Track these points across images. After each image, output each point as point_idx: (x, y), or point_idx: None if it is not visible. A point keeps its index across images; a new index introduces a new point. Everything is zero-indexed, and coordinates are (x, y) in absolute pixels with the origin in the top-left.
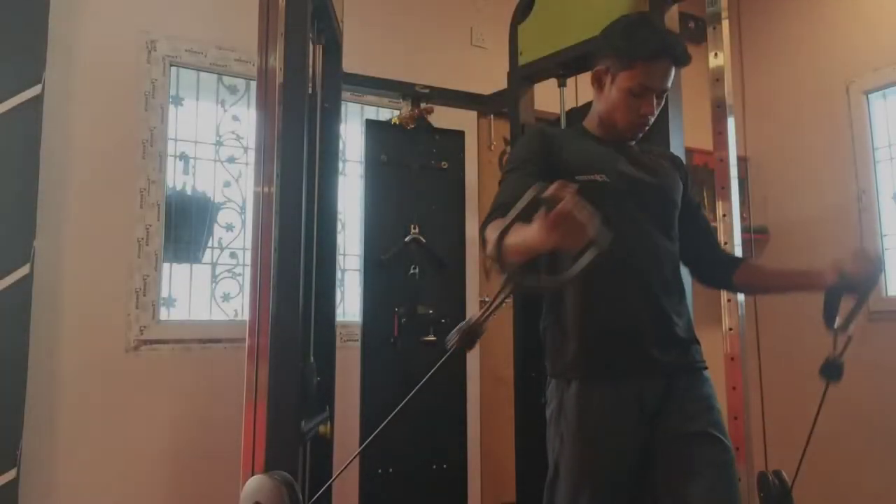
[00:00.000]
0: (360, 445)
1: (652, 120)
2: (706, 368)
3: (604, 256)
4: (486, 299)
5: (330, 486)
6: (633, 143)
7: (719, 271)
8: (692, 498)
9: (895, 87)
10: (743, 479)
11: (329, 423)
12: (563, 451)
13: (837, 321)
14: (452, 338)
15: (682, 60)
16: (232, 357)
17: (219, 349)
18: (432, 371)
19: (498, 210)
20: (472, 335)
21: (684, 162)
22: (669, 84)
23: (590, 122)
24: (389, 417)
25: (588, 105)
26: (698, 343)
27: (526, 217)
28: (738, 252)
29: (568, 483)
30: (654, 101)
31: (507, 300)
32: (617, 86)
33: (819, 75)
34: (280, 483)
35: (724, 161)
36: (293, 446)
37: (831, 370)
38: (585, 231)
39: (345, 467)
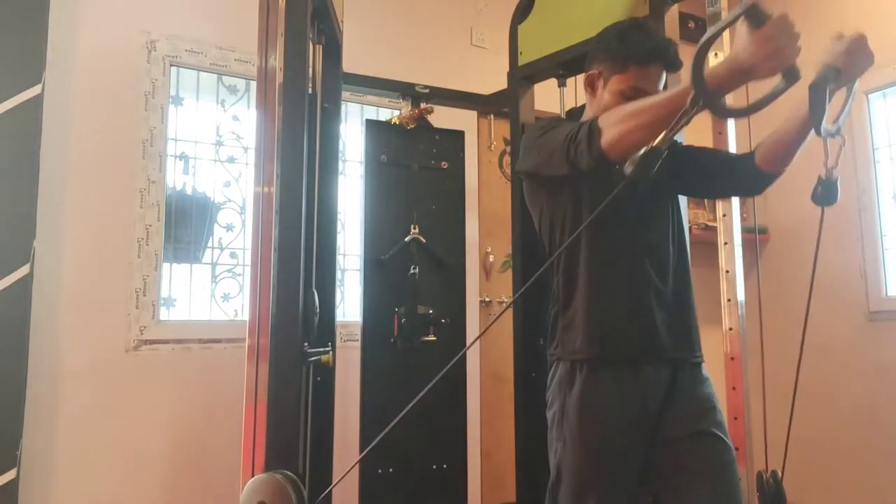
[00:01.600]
0: (360, 444)
1: None
2: (703, 361)
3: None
4: (487, 299)
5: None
6: None
7: (743, 168)
8: (694, 498)
9: (895, 87)
10: (743, 480)
11: (332, 353)
12: (565, 455)
13: (825, 125)
14: (634, 161)
15: (675, 65)
16: (232, 357)
17: (219, 349)
18: (447, 368)
19: (571, 134)
20: (653, 157)
21: None
22: (661, 87)
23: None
24: (392, 424)
25: None
26: (699, 335)
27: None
28: (738, 252)
29: (570, 487)
30: None
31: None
32: (609, 89)
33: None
34: (285, 482)
35: None
36: (293, 446)
37: (826, 191)
38: (796, 47)
39: (345, 474)
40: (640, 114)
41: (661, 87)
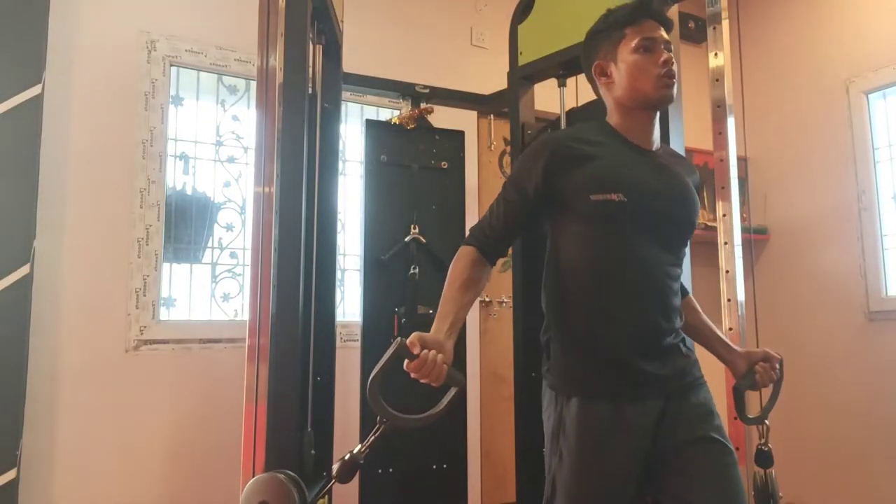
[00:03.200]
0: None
1: (675, 70)
2: (704, 383)
3: (461, 393)
4: (487, 299)
5: (333, 484)
6: (658, 146)
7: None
8: (698, 501)
9: (895, 87)
10: (744, 480)
11: (328, 496)
12: (561, 470)
13: (753, 413)
14: (333, 469)
15: (662, 15)
16: (232, 357)
17: (219, 349)
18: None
19: (478, 230)
20: (352, 467)
21: (697, 172)
22: (668, 38)
23: (611, 117)
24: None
25: (588, 106)
26: (696, 360)
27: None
28: (738, 252)
29: (566, 502)
30: (664, 50)
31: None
32: (621, 59)
33: (819, 75)
34: (287, 481)
35: (724, 161)
36: (293, 446)
37: (764, 458)
38: (441, 376)
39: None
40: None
41: (667, 36)
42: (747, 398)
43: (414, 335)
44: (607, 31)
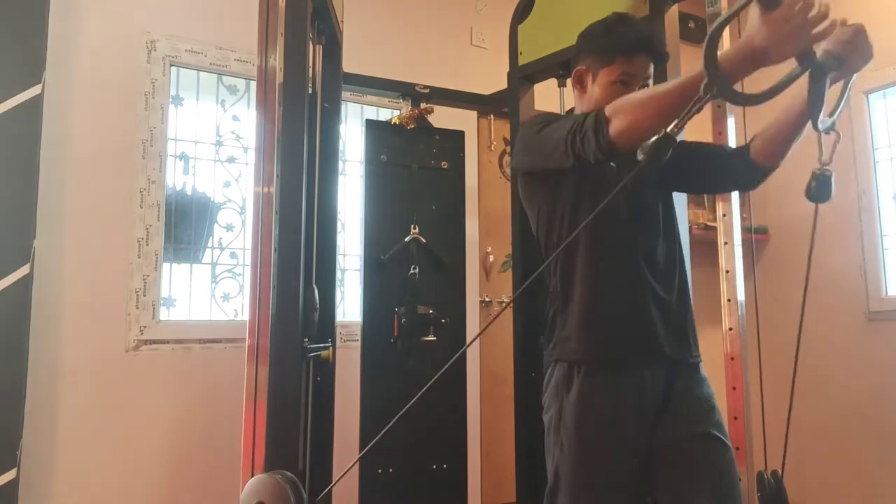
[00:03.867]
0: (360, 444)
1: None
2: (701, 361)
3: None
4: (487, 299)
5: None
6: None
7: (738, 162)
8: (694, 499)
9: (895, 87)
10: (743, 479)
11: (332, 350)
12: (563, 460)
13: (823, 118)
14: (645, 149)
15: (660, 56)
16: (232, 357)
17: (219, 349)
18: (444, 368)
19: (575, 126)
20: (666, 144)
21: None
22: (651, 73)
23: None
24: (391, 423)
25: None
26: (696, 335)
27: None
28: (738, 252)
29: (569, 492)
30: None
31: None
32: (598, 83)
33: None
34: (284, 482)
35: None
36: (293, 446)
37: (819, 187)
38: (811, 29)
39: (344, 473)
40: (651, 102)
41: (650, 72)
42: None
43: None
44: (600, 49)
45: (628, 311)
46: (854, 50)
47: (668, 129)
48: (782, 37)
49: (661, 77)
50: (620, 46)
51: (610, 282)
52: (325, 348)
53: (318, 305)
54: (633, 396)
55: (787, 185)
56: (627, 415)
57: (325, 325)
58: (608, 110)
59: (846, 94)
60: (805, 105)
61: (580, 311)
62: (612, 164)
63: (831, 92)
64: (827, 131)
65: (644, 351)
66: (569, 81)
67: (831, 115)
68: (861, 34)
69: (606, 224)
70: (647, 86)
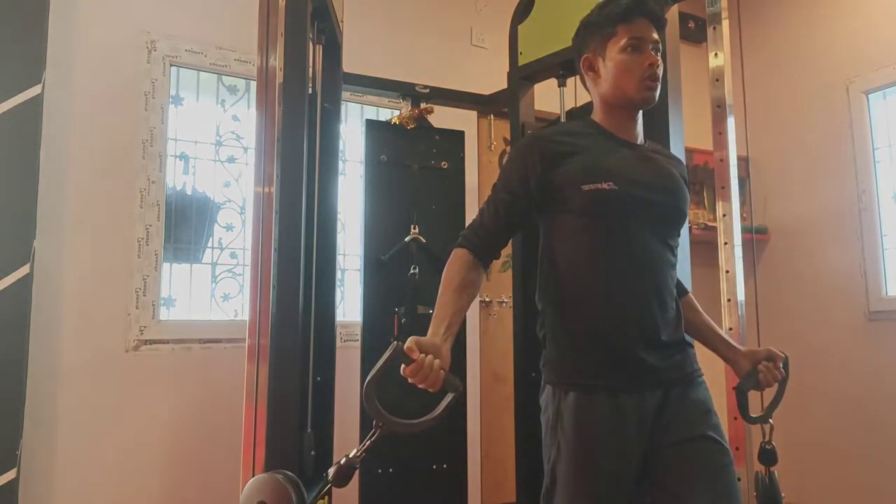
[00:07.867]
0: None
1: (660, 72)
2: (701, 376)
3: (458, 398)
4: (487, 299)
5: (330, 487)
6: (643, 141)
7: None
8: (693, 501)
9: (895, 87)
10: (743, 480)
11: (328, 497)
12: (559, 461)
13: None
14: (329, 473)
15: (657, 15)
16: (232, 357)
17: (219, 349)
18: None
19: (470, 232)
20: (348, 471)
21: (684, 163)
22: (657, 38)
23: (596, 114)
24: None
25: (588, 105)
26: (693, 349)
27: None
28: (738, 252)
29: (565, 494)
30: (652, 52)
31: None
32: (609, 57)
33: (819, 75)
34: (285, 482)
35: (724, 161)
36: (293, 446)
37: (768, 456)
38: (438, 381)
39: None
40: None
41: (657, 36)
42: (749, 397)
43: (410, 339)
44: (599, 25)
45: (622, 338)
46: (760, 380)
47: (349, 457)
48: (418, 382)
49: (662, 45)
50: (618, 13)
51: (602, 307)
52: (321, 496)
53: (314, 450)
54: (630, 402)
55: (788, 186)
56: (625, 417)
57: (326, 328)
58: (454, 254)
59: (782, 395)
60: (718, 352)
61: (571, 339)
62: (614, 185)
63: (767, 392)
64: (756, 423)
65: (640, 379)
66: (569, 81)
67: (767, 411)
68: (776, 371)
69: (600, 251)
70: (657, 51)
